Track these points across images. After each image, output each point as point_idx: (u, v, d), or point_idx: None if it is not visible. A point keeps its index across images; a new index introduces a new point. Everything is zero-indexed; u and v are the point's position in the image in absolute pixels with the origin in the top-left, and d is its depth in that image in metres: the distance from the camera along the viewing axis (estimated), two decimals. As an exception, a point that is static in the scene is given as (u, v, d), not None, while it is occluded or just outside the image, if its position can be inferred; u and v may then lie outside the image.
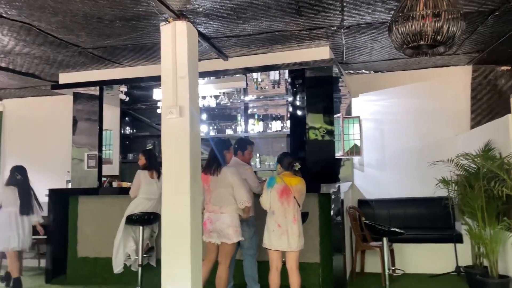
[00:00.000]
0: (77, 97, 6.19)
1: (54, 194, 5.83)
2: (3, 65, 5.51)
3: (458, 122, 6.28)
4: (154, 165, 5.22)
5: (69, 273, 5.79)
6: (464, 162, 5.10)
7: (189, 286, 3.49)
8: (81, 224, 5.82)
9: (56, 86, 6.14)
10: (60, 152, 7.17)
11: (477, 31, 4.65)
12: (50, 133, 7.60)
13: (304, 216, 4.50)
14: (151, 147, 7.29)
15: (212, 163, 4.31)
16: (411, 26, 3.04)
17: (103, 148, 6.39)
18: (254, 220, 4.48)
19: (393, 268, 5.33)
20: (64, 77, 6.05)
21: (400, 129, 6.51)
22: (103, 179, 6.32)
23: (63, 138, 6.88)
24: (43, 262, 6.29)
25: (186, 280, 3.50)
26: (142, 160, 5.24)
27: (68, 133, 6.24)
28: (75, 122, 6.17)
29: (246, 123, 6.79)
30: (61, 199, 5.89)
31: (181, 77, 3.71)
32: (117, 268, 5.07)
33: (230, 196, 4.19)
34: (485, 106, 6.16)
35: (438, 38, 3.05)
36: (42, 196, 6.24)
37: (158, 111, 6.69)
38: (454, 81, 6.37)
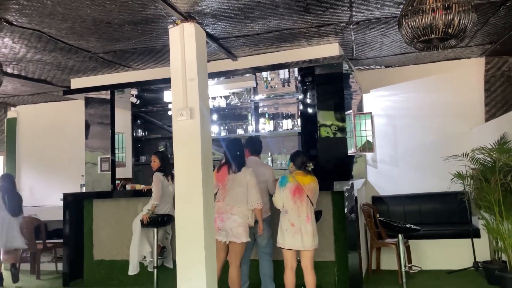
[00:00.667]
0: (88, 101, 6.24)
1: (68, 198, 5.90)
2: (15, 72, 5.59)
3: (472, 116, 6.19)
4: (167, 166, 5.24)
5: (86, 276, 5.85)
6: (479, 156, 5.01)
7: (204, 286, 3.50)
8: (96, 228, 5.87)
9: (68, 92, 6.21)
10: (74, 157, 7.25)
11: (489, 22, 4.57)
12: (64, 138, 7.69)
13: (318, 214, 4.48)
14: (163, 149, 7.33)
15: (233, 162, 4.29)
16: (421, 19, 2.99)
17: (116, 151, 6.44)
18: (272, 220, 4.48)
19: (409, 265, 5.28)
20: (76, 82, 6.12)
21: (413, 124, 6.43)
22: (117, 182, 6.37)
23: (76, 142, 6.95)
24: (60, 266, 6.36)
25: (201, 281, 3.51)
26: (156, 162, 5.24)
27: (81, 138, 6.30)
28: (87, 126, 6.23)
29: (257, 122, 6.78)
30: (76, 203, 5.95)
31: (191, 79, 3.71)
32: (133, 271, 5.08)
33: (244, 197, 4.19)
34: (499, 98, 6.06)
35: (449, 31, 3.01)
36: (57, 201, 6.33)
37: (169, 113, 6.72)
38: (467, 74, 6.27)
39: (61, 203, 5.91)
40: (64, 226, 5.85)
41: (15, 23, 3.86)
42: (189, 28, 3.75)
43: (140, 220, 4.95)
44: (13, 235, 5.70)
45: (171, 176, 5.16)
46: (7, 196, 5.78)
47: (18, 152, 8.04)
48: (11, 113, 8.13)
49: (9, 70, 5.46)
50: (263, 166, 4.62)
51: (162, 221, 4.97)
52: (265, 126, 6.69)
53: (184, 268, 3.59)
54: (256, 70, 5.40)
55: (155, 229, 4.98)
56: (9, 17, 3.72)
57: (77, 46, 4.65)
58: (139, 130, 7.65)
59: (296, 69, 5.97)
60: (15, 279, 5.78)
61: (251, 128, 6.79)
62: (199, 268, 3.52)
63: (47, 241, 6.38)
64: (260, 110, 6.94)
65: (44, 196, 7.67)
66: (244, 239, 4.16)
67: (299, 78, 6.10)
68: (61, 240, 6.00)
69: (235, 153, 4.31)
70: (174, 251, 5.21)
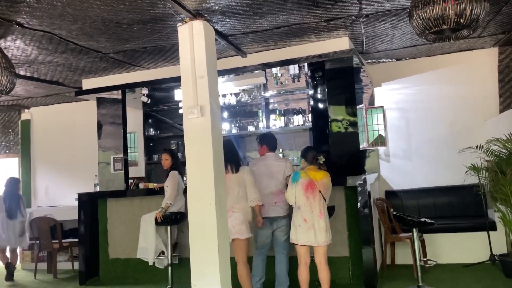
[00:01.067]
0: (100, 101, 6.29)
1: (83, 198, 5.96)
2: (28, 74, 5.66)
3: (486, 107, 6.09)
4: (179, 164, 5.26)
5: (102, 275, 5.92)
6: (494, 148, 4.94)
7: (218, 283, 3.51)
8: (111, 227, 5.93)
9: (80, 92, 6.27)
10: (87, 157, 7.33)
11: (502, 11, 4.48)
12: (77, 139, 7.77)
13: (331, 210, 4.46)
14: (174, 147, 7.36)
15: (229, 163, 4.28)
16: (432, 10, 2.95)
17: (128, 151, 6.49)
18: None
19: (424, 259, 5.22)
20: (87, 83, 6.17)
21: (426, 117, 6.36)
22: (130, 181, 6.42)
23: (89, 142, 7.02)
24: (76, 265, 6.44)
25: (215, 278, 3.52)
26: (169, 161, 5.23)
27: (93, 138, 6.36)
28: (99, 126, 6.28)
29: (268, 118, 6.76)
30: (90, 203, 6.01)
31: (201, 77, 3.71)
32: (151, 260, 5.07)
33: (244, 195, 4.28)
34: (514, 89, 5.96)
35: (461, 21, 2.96)
36: (72, 200, 6.41)
37: (180, 111, 6.73)
38: (480, 65, 6.18)
39: (76, 203, 5.99)
40: (79, 226, 5.92)
41: (26, 25, 3.90)
42: (198, 25, 3.75)
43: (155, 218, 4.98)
44: (8, 235, 6.29)
45: (183, 173, 5.19)
46: (8, 199, 6.33)
47: (33, 154, 8.15)
48: (25, 115, 8.25)
49: (21, 73, 5.53)
50: (282, 161, 4.62)
51: (176, 219, 5.00)
52: (276, 123, 6.67)
53: (198, 265, 3.60)
54: (266, 66, 5.38)
55: (169, 227, 5.01)
56: (20, 19, 3.76)
57: (88, 47, 4.69)
58: (151, 129, 7.69)
59: (306, 64, 5.94)
60: (8, 277, 6.29)
61: (262, 125, 6.78)
62: (213, 265, 3.53)
63: (63, 240, 6.47)
64: (270, 106, 6.92)
65: (59, 196, 7.78)
66: (247, 235, 4.22)
67: (309, 73, 6.06)
68: (77, 239, 6.08)
69: (229, 154, 4.28)
70: (181, 247, 5.28)
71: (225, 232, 3.75)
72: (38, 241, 6.46)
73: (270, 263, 4.56)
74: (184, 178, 5.25)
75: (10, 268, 6.38)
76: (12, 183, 6.51)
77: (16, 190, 6.52)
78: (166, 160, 5.25)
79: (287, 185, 4.29)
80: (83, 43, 4.55)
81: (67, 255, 6.83)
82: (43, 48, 4.62)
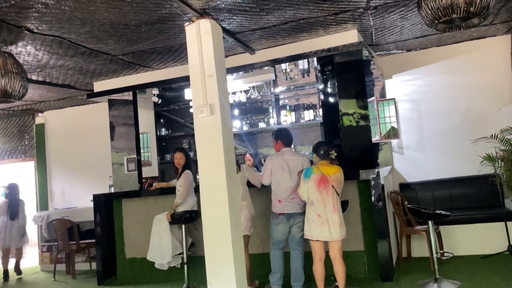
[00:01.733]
0: (112, 103, 6.34)
1: (98, 199, 6.03)
2: (40, 79, 5.74)
3: (500, 95, 5.99)
4: (191, 163, 5.29)
5: (119, 274, 5.99)
6: (509, 137, 4.85)
7: (234, 281, 3.53)
8: (126, 226, 6.00)
9: (92, 95, 6.33)
10: (101, 158, 7.40)
11: (514, -3, 4.40)
12: (90, 141, 7.86)
13: (344, 204, 4.44)
14: (187, 146, 7.40)
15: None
16: (441, -1, 2.90)
17: (141, 151, 6.54)
18: None
19: (441, 251, 5.17)
20: (98, 85, 6.23)
21: (438, 107, 6.27)
22: (143, 181, 6.47)
23: (103, 144, 7.09)
24: (94, 265, 6.52)
25: (231, 275, 3.53)
26: (183, 159, 5.19)
27: (107, 139, 6.42)
28: (112, 128, 6.34)
29: (278, 115, 6.76)
30: (106, 204, 6.08)
31: (209, 75, 3.72)
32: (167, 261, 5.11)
33: (247, 192, 4.65)
34: (529, 76, 5.85)
35: (471, 9, 2.91)
36: (88, 202, 6.49)
37: (191, 110, 6.76)
38: (493, 53, 6.07)
39: (92, 204, 6.05)
40: (95, 227, 5.99)
41: (36, 30, 3.95)
42: (205, 24, 3.76)
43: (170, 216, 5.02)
44: (12, 236, 6.89)
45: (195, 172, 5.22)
46: (11, 203, 6.96)
47: (48, 157, 8.27)
48: (39, 119, 8.37)
49: (34, 77, 5.61)
50: (300, 156, 4.61)
51: (190, 217, 5.02)
52: (287, 118, 6.66)
53: (213, 263, 3.62)
54: (275, 62, 5.37)
55: (183, 226, 5.04)
56: (30, 25, 3.81)
57: (97, 50, 4.73)
58: (163, 129, 7.75)
59: (315, 59, 5.91)
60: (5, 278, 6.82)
61: (272, 121, 6.77)
62: (228, 262, 3.55)
63: (80, 241, 6.56)
64: (280, 102, 6.91)
65: (75, 198, 7.88)
66: (248, 232, 4.58)
67: (318, 68, 6.03)
68: (94, 240, 6.16)
69: None
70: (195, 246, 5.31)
71: (238, 229, 3.76)
72: (56, 243, 6.56)
73: (285, 259, 4.56)
74: (197, 177, 5.27)
75: (7, 276, 6.94)
76: (14, 188, 7.13)
77: (17, 194, 7.13)
78: (180, 159, 5.21)
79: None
80: (93, 46, 4.59)
81: (85, 255, 6.93)
82: (53, 53, 4.67)
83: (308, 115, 6.53)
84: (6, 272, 6.94)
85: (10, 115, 8.33)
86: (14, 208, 6.98)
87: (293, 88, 6.63)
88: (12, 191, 7.09)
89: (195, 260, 5.33)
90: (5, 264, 7.01)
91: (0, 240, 6.88)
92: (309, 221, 4.06)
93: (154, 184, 6.24)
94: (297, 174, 4.39)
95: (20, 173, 8.55)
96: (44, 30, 3.98)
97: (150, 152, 7.46)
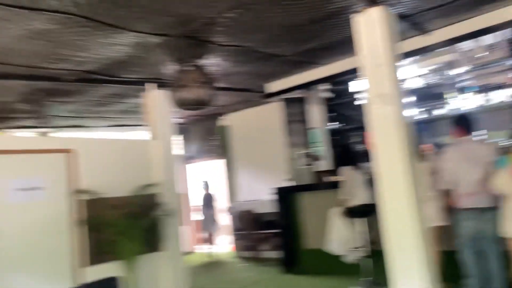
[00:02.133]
0: (285, 102, 6.69)
1: (277, 192, 6.43)
2: (225, 85, 6.40)
3: None
4: (349, 157, 5.28)
5: (300, 264, 6.28)
6: None
7: (422, 277, 3.35)
8: (304, 218, 6.25)
9: (267, 96, 6.79)
10: (276, 154, 7.86)
11: None
12: (267, 138, 8.40)
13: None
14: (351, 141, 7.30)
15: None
16: None
17: (315, 146, 6.71)
18: None
19: None
20: (272, 87, 6.64)
21: None
22: (318, 174, 6.63)
23: (278, 141, 7.51)
24: (277, 254, 6.97)
25: (420, 271, 3.36)
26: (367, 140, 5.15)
27: (281, 136, 6.76)
28: (286, 125, 6.67)
29: (460, 98, 6.10)
30: (285, 196, 6.44)
31: (382, 64, 3.60)
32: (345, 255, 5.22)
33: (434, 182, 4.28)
34: None
35: None
36: (266, 194, 6.98)
37: (360, 102, 6.64)
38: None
39: (269, 197, 6.46)
40: (278, 217, 6.37)
41: (224, 43, 4.44)
42: (376, 12, 3.64)
43: (349, 210, 5.07)
44: (210, 222, 8.28)
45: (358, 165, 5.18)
46: (206, 195, 8.46)
47: (234, 155, 9.17)
48: (224, 121, 9.35)
49: (221, 85, 6.28)
50: (485, 144, 4.20)
51: (363, 212, 4.98)
52: (470, 102, 5.97)
53: (397, 261, 3.48)
54: (454, 41, 4.89)
55: (359, 220, 5.02)
56: (217, 38, 4.30)
57: (271, 53, 5.06)
58: (334, 123, 7.79)
59: (502, 32, 5.15)
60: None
61: (453, 106, 6.16)
62: (414, 260, 3.39)
63: (263, 231, 7.07)
64: (462, 84, 6.23)
65: (256, 191, 8.57)
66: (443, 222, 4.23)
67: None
68: (274, 230, 6.56)
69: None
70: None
71: (424, 223, 3.53)
72: (244, 232, 7.22)
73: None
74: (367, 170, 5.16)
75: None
76: (207, 184, 8.74)
77: (208, 188, 8.72)
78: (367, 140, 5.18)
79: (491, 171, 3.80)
80: (268, 50, 4.93)
81: (269, 244, 7.45)
82: (235, 61, 5.17)
83: (498, 96, 5.74)
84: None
85: (201, 120, 9.52)
86: (208, 198, 8.53)
87: (477, 67, 5.90)
88: (206, 187, 8.62)
89: (373, 255, 5.23)
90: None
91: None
92: (507, 217, 3.58)
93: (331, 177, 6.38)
94: (482, 164, 3.90)
95: (215, 170, 9.74)
96: (229, 41, 4.43)
97: (323, 146, 7.59)
